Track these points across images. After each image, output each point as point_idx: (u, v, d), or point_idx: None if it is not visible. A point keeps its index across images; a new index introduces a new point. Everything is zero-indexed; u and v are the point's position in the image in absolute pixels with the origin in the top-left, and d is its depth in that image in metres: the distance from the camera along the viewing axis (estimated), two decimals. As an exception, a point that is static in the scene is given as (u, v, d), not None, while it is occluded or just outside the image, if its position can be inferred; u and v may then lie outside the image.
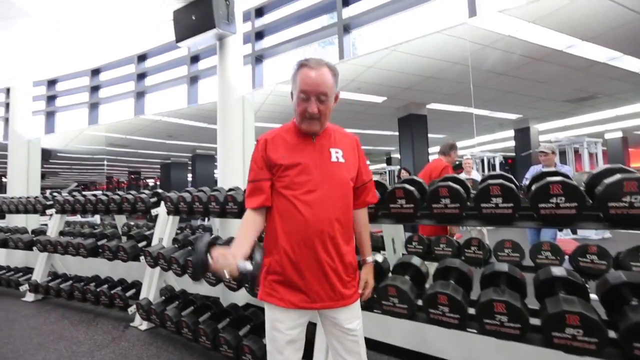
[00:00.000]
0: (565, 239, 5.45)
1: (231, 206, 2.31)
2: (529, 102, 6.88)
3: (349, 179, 1.19)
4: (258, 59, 3.71)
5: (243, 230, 1.14)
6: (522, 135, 8.64)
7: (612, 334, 1.13)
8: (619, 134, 10.49)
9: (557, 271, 1.36)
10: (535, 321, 1.24)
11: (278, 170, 1.14)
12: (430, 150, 7.52)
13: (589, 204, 1.27)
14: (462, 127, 8.63)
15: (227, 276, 0.98)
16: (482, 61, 4.48)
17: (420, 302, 1.47)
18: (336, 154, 1.17)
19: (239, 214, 2.29)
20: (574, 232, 5.99)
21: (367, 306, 1.56)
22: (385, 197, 1.63)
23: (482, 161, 8.92)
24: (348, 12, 3.19)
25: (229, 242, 2.48)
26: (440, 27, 2.71)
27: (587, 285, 1.90)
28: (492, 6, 2.61)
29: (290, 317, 1.13)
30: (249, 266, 0.96)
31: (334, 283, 1.13)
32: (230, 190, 2.56)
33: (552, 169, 3.57)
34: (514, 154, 9.87)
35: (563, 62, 4.61)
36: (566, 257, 1.97)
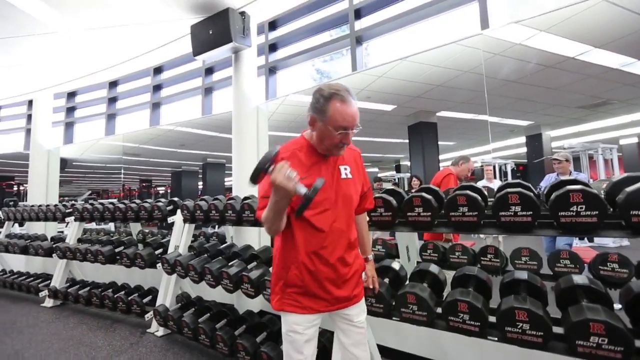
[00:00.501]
0: (581, 246, 5.34)
1: (247, 214, 2.35)
2: (541, 109, 6.84)
3: (356, 194, 1.28)
4: (271, 70, 3.79)
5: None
6: (534, 141, 8.55)
7: (637, 342, 1.12)
8: (635, 140, 10.29)
9: (579, 279, 1.36)
10: (557, 330, 1.24)
11: None
12: (441, 157, 7.50)
13: (609, 212, 1.27)
14: (472, 134, 8.61)
15: (282, 185, 0.97)
16: (493, 69, 4.50)
17: (439, 310, 1.47)
18: (345, 171, 1.25)
19: (255, 222, 2.33)
20: (591, 240, 5.87)
21: (385, 314, 1.57)
22: (403, 206, 1.65)
23: (494, 168, 8.82)
24: (360, 24, 3.25)
25: (245, 249, 2.52)
26: (453, 38, 2.74)
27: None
28: (505, 16, 2.64)
29: (308, 319, 1.21)
30: (304, 190, 1.00)
31: (350, 288, 1.26)
32: (246, 198, 2.61)
33: (567, 177, 3.54)
34: (525, 161, 9.76)
35: (576, 69, 4.60)
36: (585, 265, 1.94)
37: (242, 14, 3.10)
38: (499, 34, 3.39)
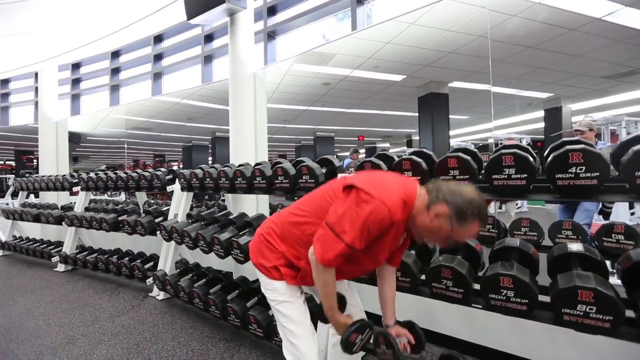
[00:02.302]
0: (596, 223, 5.13)
1: (240, 181, 2.32)
2: (561, 79, 6.39)
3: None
4: (270, 35, 3.63)
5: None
6: (554, 116, 8.07)
7: (630, 313, 1.04)
8: (664, 114, 9.62)
9: (574, 247, 1.27)
10: (546, 299, 1.17)
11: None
12: (452, 133, 7.22)
13: (614, 175, 1.16)
14: (485, 107, 8.21)
15: None
16: (507, 33, 4.17)
17: (423, 277, 1.42)
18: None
19: (248, 189, 2.29)
20: (607, 217, 5.64)
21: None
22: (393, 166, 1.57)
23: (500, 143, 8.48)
24: (362, -19, 3.02)
25: (240, 217, 2.51)
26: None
27: (613, 271, 1.79)
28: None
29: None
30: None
31: None
32: (239, 165, 2.57)
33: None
34: (543, 137, 9.32)
35: (601, 32, 4.20)
36: (589, 239, 1.84)
37: (237, -28, 2.92)
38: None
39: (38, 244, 4.49)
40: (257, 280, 2.46)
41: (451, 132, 7.25)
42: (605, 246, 1.69)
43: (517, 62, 5.18)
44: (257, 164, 2.37)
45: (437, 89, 6.39)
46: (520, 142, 8.42)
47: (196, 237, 2.41)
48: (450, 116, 6.74)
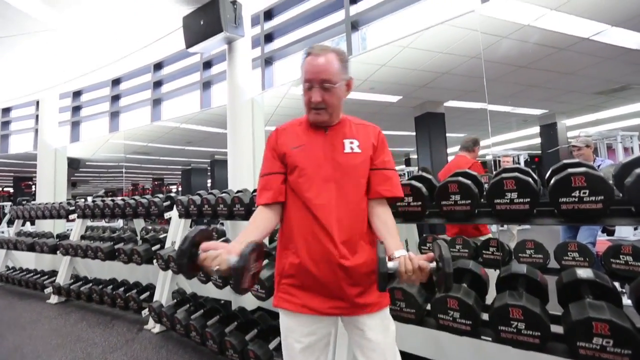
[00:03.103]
0: (599, 239, 5.07)
1: (238, 208, 2.28)
2: (555, 96, 6.51)
3: (365, 170, 1.05)
4: (268, 61, 3.71)
5: (246, 228, 1.03)
6: (549, 131, 8.17)
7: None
8: (658, 127, 9.75)
9: (583, 273, 1.22)
10: (558, 329, 1.11)
11: (288, 162, 1.06)
12: (449, 150, 7.26)
13: (618, 197, 1.13)
14: (483, 125, 8.31)
15: (215, 272, 0.86)
16: (501, 54, 4.27)
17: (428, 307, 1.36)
18: (350, 144, 1.06)
19: (246, 216, 2.26)
20: (610, 234, 5.57)
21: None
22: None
23: (494, 161, 8.54)
24: (356, 8, 3.12)
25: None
26: (447, 17, 2.58)
27: (623, 291, 1.72)
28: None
29: (305, 322, 1.02)
30: (233, 259, 0.84)
31: (350, 287, 1.00)
32: (238, 192, 2.54)
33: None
34: (540, 152, 9.38)
35: (591, 50, 4.32)
36: (597, 259, 1.79)
37: (234, 2, 3.02)
38: (499, 13, 3.19)
39: (32, 274, 4.38)
40: (256, 311, 2.38)
41: (449, 150, 7.29)
42: (613, 268, 1.64)
43: (511, 80, 5.28)
44: (255, 191, 2.35)
45: (433, 109, 6.48)
46: (518, 158, 8.47)
47: (193, 266, 2.34)
48: (448, 134, 6.80)
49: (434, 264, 0.85)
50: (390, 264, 0.86)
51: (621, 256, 1.63)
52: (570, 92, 6.25)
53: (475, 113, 6.97)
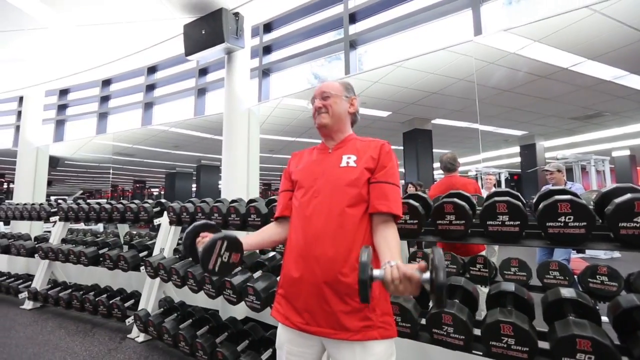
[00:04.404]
0: (572, 257, 5.32)
1: (233, 218, 2.29)
2: (534, 119, 6.88)
3: (358, 182, 1.02)
4: (265, 72, 3.76)
5: (254, 233, 1.20)
6: (528, 151, 8.60)
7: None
8: (627, 152, 10.40)
9: (567, 292, 1.32)
10: (544, 345, 1.20)
11: (293, 179, 1.17)
12: (435, 165, 7.49)
13: (598, 223, 1.24)
14: (467, 143, 8.63)
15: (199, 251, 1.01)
16: (487, 78, 4.51)
17: (423, 322, 1.42)
18: (348, 159, 1.07)
19: (242, 226, 2.27)
20: (582, 251, 5.86)
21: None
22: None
23: (479, 177, 8.89)
24: (355, 28, 3.23)
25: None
26: (445, 44, 2.73)
27: (597, 307, 1.85)
28: (498, 24, 2.64)
29: (293, 339, 1.01)
30: (207, 241, 1.00)
31: (334, 305, 0.94)
32: (233, 201, 2.55)
33: (561, 187, 3.46)
34: (519, 171, 9.81)
35: (569, 79, 4.63)
36: (575, 277, 1.91)
37: (236, 14, 3.08)
38: (492, 42, 3.40)
39: (4, 277, 4.18)
40: (247, 321, 2.37)
41: (435, 165, 7.52)
42: (590, 287, 1.76)
43: (495, 103, 5.55)
44: (251, 201, 2.37)
45: (421, 125, 6.70)
46: (499, 176, 8.82)
47: (185, 275, 2.32)
48: (434, 150, 7.03)
49: (427, 275, 0.75)
50: (376, 272, 0.79)
51: (597, 276, 1.75)
52: (548, 116, 6.62)
53: (460, 131, 7.26)
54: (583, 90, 5.11)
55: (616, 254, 5.87)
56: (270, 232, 1.18)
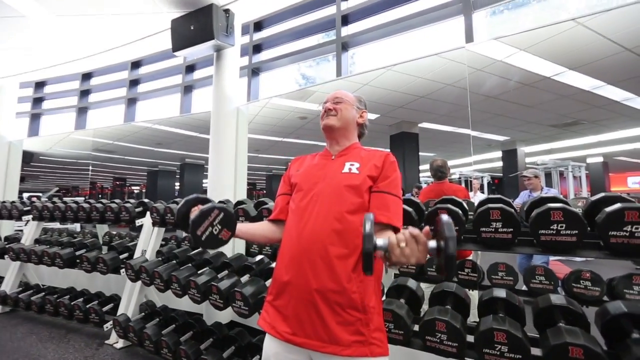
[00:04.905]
0: (551, 260, 5.51)
1: (221, 220, 2.23)
2: (516, 125, 7.09)
3: (358, 189, 0.99)
4: (254, 71, 3.70)
5: (248, 223, 1.23)
6: (510, 156, 8.86)
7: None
8: (600, 159, 10.90)
9: (557, 299, 1.34)
10: (535, 351, 1.21)
11: (292, 183, 1.16)
12: (421, 167, 7.59)
13: (588, 231, 1.26)
14: (452, 147, 8.80)
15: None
16: (475, 84, 4.61)
17: (416, 328, 1.41)
18: (350, 166, 1.05)
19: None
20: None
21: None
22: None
23: (466, 181, 9.12)
24: (347, 30, 3.22)
25: (217, 256, 2.39)
26: (437, 50, 2.76)
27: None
28: (488, 32, 2.69)
29: (279, 353, 0.96)
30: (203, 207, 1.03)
31: (325, 315, 0.90)
32: (220, 202, 2.48)
33: (538, 193, 3.56)
34: (501, 175, 10.10)
35: (550, 88, 4.79)
36: (559, 281, 1.95)
37: (227, 11, 3.00)
38: (481, 49, 3.47)
39: (-29, 280, 3.92)
40: (233, 326, 2.31)
41: (420, 167, 7.63)
42: (574, 292, 1.80)
43: (480, 108, 5.68)
44: (239, 202, 2.31)
45: (408, 129, 6.78)
46: (482, 179, 9.04)
47: (169, 279, 2.23)
48: (420, 153, 7.13)
49: (433, 243, 0.70)
50: (379, 241, 0.72)
51: (581, 281, 1.80)
52: (530, 122, 6.84)
53: (446, 135, 7.40)
54: (563, 99, 5.30)
55: (590, 257, 6.10)
56: (264, 227, 1.18)
